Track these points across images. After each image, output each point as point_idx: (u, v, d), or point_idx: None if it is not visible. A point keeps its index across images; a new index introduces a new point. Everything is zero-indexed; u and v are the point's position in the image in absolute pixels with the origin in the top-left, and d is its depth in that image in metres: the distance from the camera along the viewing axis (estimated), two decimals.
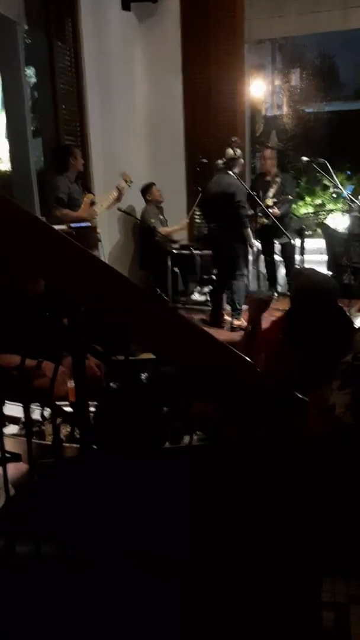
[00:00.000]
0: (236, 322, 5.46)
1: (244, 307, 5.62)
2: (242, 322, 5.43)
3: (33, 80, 6.38)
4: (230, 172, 5.32)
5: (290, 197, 6.12)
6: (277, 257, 6.30)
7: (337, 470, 1.68)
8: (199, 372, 1.18)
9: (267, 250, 6.16)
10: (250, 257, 6.93)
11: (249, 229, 5.39)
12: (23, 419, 1.87)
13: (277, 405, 1.20)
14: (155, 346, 1.13)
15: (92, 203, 5.00)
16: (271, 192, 5.99)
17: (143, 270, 6.46)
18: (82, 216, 4.82)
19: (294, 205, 6.53)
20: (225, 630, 1.52)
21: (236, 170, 5.34)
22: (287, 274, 6.15)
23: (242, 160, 5.45)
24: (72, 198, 4.89)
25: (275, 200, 5.94)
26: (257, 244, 5.70)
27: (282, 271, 6.40)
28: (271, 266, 6.28)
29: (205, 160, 5.92)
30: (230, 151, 5.34)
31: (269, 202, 5.87)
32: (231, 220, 5.32)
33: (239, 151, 5.36)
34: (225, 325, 5.59)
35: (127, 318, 1.10)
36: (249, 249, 5.51)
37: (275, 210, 5.81)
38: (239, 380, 1.14)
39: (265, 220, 5.78)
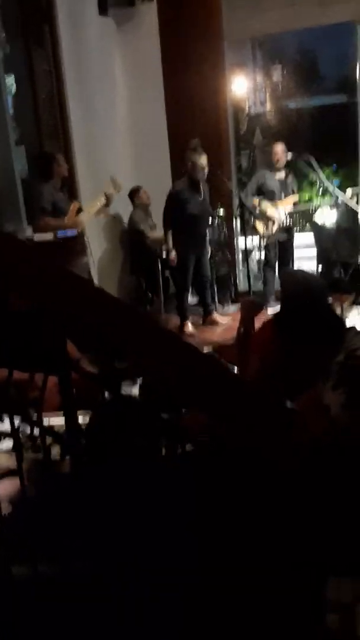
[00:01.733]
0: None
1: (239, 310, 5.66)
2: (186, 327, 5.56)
3: (14, 88, 6.36)
4: (186, 178, 5.41)
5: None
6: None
7: (340, 470, 1.67)
8: (189, 385, 1.18)
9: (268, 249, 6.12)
10: (240, 257, 6.94)
11: (166, 233, 5.51)
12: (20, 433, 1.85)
13: (269, 416, 1.19)
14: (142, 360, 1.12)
15: (79, 211, 4.95)
16: (294, 193, 5.97)
17: (134, 274, 6.44)
18: (67, 224, 4.77)
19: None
20: (227, 633, 1.51)
21: (196, 175, 5.32)
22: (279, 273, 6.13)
23: (196, 165, 5.36)
24: (57, 207, 4.84)
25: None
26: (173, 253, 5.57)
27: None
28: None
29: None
30: (191, 157, 5.35)
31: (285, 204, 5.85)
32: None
33: (195, 156, 5.32)
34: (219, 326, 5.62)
35: (109, 331, 1.09)
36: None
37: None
38: (230, 392, 1.13)
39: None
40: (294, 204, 5.94)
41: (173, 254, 5.48)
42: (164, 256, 5.62)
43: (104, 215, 5.42)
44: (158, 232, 6.11)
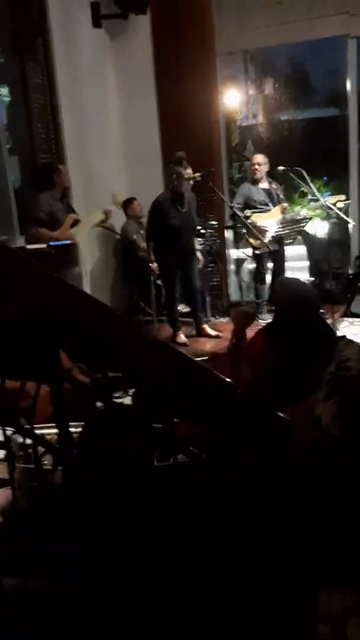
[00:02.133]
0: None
1: (231, 320, 5.64)
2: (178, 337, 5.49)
3: (7, 99, 6.38)
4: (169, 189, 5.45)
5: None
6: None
7: (330, 480, 1.67)
8: (188, 386, 1.18)
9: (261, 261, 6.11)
10: (232, 267, 6.97)
11: (148, 244, 5.55)
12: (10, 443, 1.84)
13: (259, 425, 1.19)
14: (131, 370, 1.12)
15: (75, 224, 4.92)
16: (281, 201, 5.98)
17: (126, 284, 6.46)
18: (60, 237, 4.75)
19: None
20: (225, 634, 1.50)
21: (179, 187, 5.34)
22: (271, 284, 6.12)
23: (181, 176, 5.37)
24: (54, 217, 4.81)
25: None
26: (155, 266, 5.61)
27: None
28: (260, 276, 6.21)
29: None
30: (175, 168, 5.37)
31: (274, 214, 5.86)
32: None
33: (179, 168, 5.34)
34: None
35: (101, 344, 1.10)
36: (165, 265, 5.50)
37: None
38: (221, 401, 1.14)
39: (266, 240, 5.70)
40: (283, 210, 5.94)
41: (154, 265, 5.51)
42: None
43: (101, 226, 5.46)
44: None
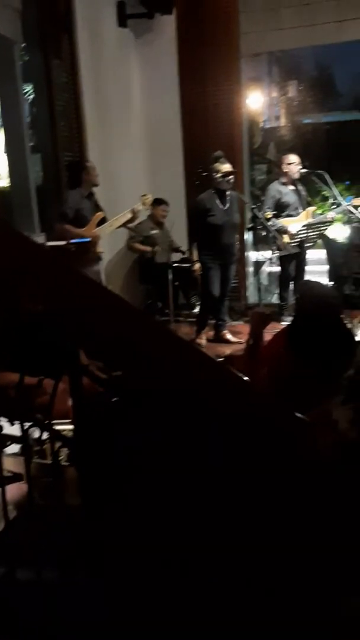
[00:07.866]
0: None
1: (248, 322, 5.59)
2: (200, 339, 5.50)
3: (31, 96, 6.42)
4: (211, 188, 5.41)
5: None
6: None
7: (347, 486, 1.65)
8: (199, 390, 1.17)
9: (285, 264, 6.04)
10: (251, 269, 6.94)
11: (190, 244, 5.55)
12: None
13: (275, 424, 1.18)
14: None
15: (101, 222, 4.93)
16: (309, 204, 5.91)
17: (143, 284, 6.45)
18: (85, 234, 4.77)
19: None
20: None
21: (221, 184, 5.33)
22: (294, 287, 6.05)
23: (215, 175, 5.38)
24: (80, 215, 4.83)
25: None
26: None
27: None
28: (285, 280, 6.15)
29: (205, 173, 5.86)
30: (215, 166, 5.35)
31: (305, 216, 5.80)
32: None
33: (219, 165, 5.33)
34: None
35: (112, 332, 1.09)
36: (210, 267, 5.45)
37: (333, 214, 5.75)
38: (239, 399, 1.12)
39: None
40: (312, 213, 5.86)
41: (197, 265, 5.49)
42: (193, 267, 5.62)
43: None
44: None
